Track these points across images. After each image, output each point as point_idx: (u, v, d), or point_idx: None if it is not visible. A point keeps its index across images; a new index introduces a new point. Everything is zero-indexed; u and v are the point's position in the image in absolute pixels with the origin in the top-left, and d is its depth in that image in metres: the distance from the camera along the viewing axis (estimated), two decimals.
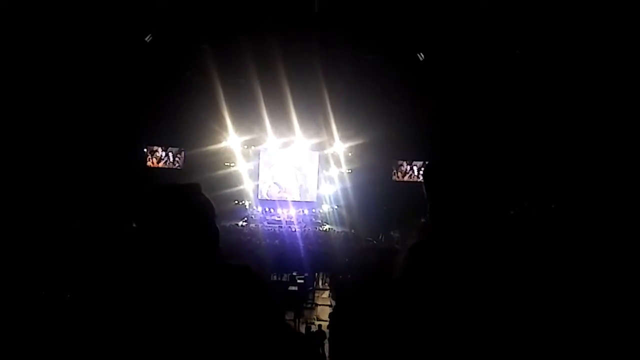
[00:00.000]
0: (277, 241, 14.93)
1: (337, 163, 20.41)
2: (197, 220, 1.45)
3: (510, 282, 1.18)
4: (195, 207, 1.46)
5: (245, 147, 20.24)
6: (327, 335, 8.49)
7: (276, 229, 18.04)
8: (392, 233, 16.60)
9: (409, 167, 20.20)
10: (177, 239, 1.40)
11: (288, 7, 12.55)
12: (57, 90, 13.18)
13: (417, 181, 20.02)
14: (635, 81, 10.30)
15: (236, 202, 19.59)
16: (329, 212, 20.54)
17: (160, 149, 19.49)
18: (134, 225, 1.47)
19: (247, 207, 20.21)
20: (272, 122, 18.87)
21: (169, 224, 1.41)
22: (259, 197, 20.87)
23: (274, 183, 21.17)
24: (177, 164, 19.55)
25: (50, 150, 13.66)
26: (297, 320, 10.24)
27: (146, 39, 13.19)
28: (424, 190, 1.35)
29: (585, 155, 11.66)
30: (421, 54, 14.19)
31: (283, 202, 20.77)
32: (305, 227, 18.58)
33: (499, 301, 1.16)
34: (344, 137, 19.39)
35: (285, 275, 12.32)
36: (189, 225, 1.42)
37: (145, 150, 19.35)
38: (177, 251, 1.39)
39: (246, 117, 18.61)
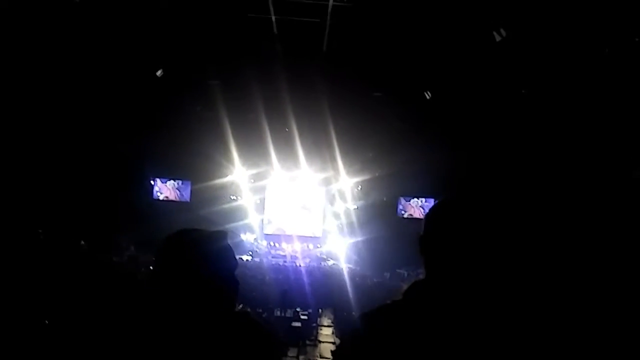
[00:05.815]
0: (281, 276, 14.79)
1: (343, 198, 20.42)
2: (217, 268, 1.43)
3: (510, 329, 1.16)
4: (218, 255, 1.44)
5: (252, 181, 20.32)
6: None
7: (280, 263, 17.93)
8: (397, 270, 16.44)
9: (414, 204, 20.17)
10: (195, 284, 1.38)
11: (297, 45, 12.83)
12: (67, 122, 13.39)
13: (422, 218, 19.93)
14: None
15: (242, 235, 19.53)
16: (334, 248, 20.43)
17: (167, 182, 19.59)
18: (153, 265, 1.46)
19: (252, 241, 20.15)
20: (279, 157, 19.00)
21: (189, 268, 1.39)
22: (264, 231, 20.83)
23: (280, 217, 21.14)
24: (183, 197, 19.60)
25: (57, 179, 13.77)
26: (299, 358, 10.05)
27: (157, 73, 13.45)
28: (424, 228, 1.34)
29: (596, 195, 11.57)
30: (428, 92, 14.35)
31: (288, 237, 20.67)
32: (310, 262, 18.43)
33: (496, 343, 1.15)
34: (350, 173, 19.47)
35: (289, 310, 12.17)
36: (208, 272, 1.40)
37: (152, 182, 19.45)
38: (193, 297, 1.38)
39: (253, 151, 18.77)
